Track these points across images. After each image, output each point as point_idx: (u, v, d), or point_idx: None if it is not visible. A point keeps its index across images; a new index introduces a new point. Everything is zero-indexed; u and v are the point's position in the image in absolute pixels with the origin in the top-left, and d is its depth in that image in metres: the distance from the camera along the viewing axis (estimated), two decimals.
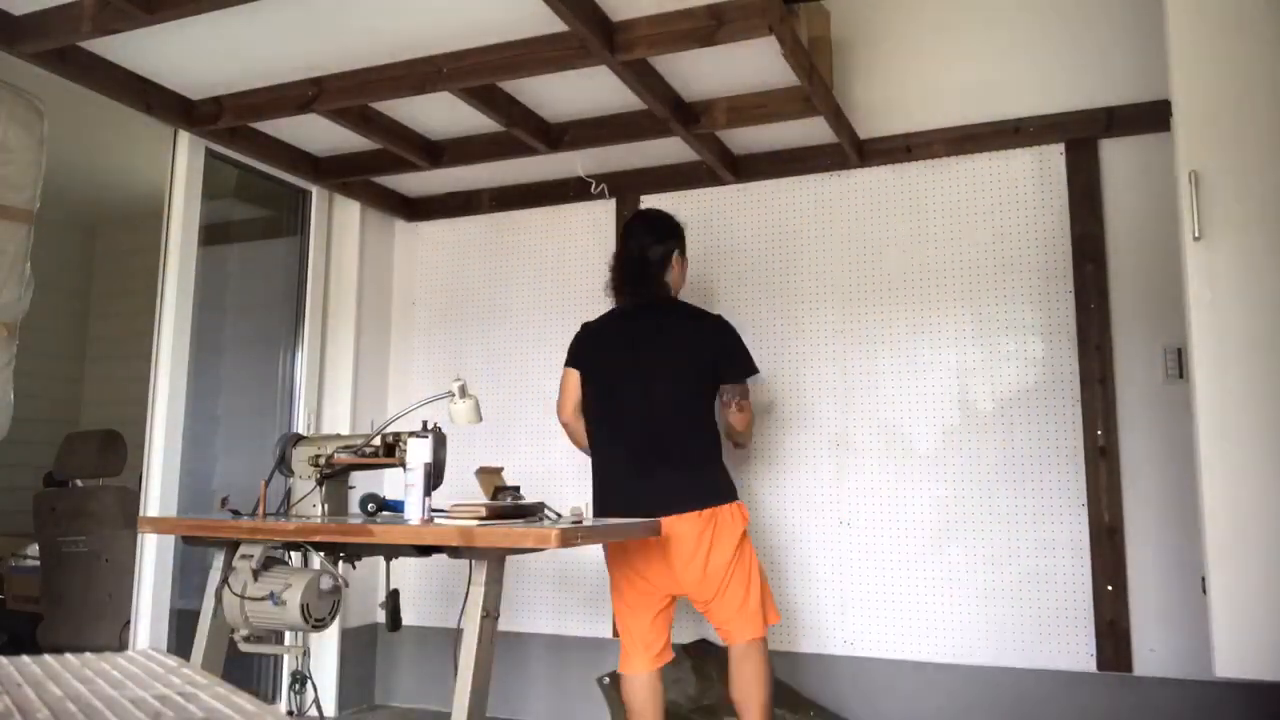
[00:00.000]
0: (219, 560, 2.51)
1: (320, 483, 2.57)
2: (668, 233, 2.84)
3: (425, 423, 2.42)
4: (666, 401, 2.66)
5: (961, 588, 3.11)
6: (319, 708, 3.22)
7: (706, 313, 2.81)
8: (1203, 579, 2.12)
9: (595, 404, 2.77)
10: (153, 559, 3.13)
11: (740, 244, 3.57)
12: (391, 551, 2.39)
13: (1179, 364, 2.93)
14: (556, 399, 2.87)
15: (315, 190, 3.87)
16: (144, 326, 3.35)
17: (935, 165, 3.32)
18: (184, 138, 3.28)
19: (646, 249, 2.80)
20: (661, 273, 2.79)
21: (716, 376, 2.72)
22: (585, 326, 2.88)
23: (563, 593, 3.66)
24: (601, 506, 2.69)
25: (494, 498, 2.51)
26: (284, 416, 3.80)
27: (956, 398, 3.20)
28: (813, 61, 2.87)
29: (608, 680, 3.40)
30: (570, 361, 2.84)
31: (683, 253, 2.87)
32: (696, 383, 2.69)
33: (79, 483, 4.04)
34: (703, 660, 3.32)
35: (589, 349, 2.83)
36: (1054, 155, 3.17)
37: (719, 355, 2.72)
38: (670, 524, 2.52)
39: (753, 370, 2.76)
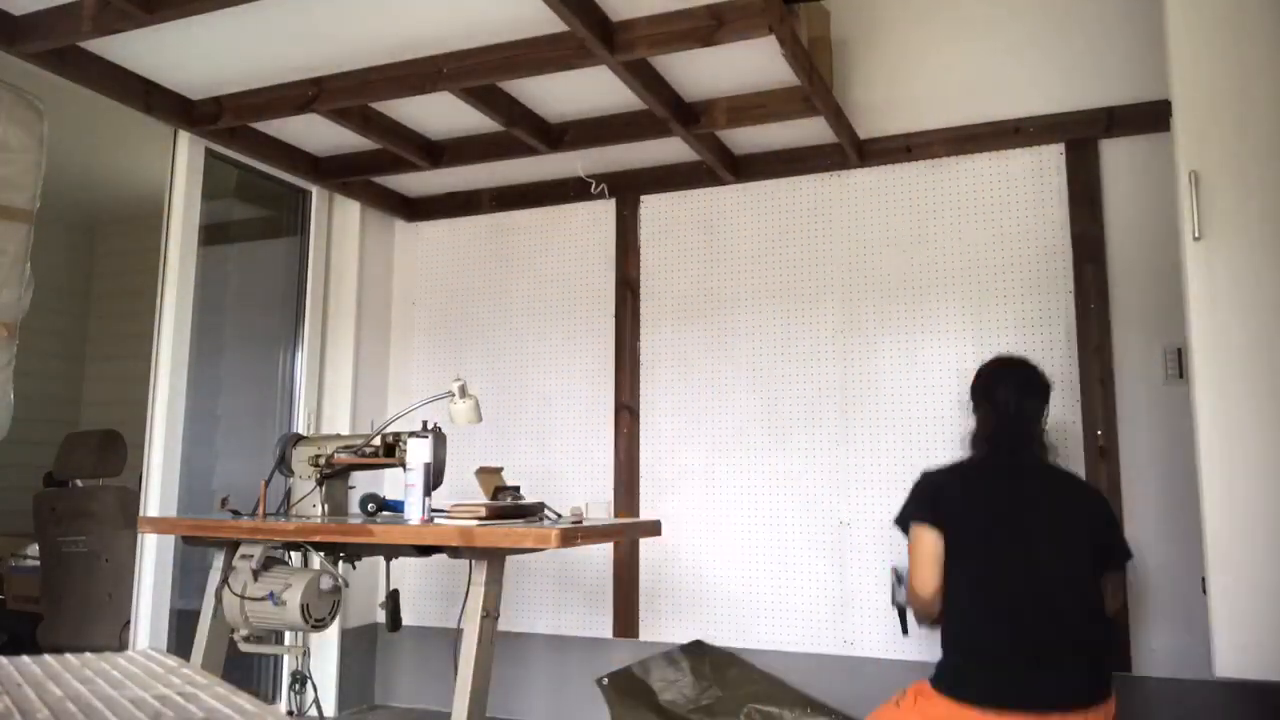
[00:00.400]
0: (219, 560, 2.52)
1: (320, 483, 2.57)
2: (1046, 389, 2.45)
3: (425, 423, 2.42)
4: (1069, 572, 2.21)
5: None
6: (319, 708, 3.23)
7: (1090, 484, 2.50)
8: (1203, 579, 2.12)
9: (967, 566, 2.26)
10: (153, 559, 3.13)
11: (740, 244, 3.57)
12: (391, 551, 2.39)
13: (1179, 364, 2.93)
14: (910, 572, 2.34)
15: (315, 190, 3.87)
16: (144, 326, 3.35)
17: (935, 165, 3.32)
18: (184, 138, 3.28)
19: (1037, 411, 2.41)
20: (1042, 429, 2.41)
21: (1112, 558, 2.35)
22: (954, 474, 2.39)
23: (563, 593, 3.66)
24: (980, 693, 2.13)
25: (494, 498, 2.51)
26: (284, 416, 3.80)
27: (957, 398, 3.20)
28: (813, 61, 2.87)
29: (607, 681, 3.40)
30: (928, 518, 2.29)
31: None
32: (1090, 562, 2.26)
33: (79, 483, 4.04)
34: (700, 661, 3.33)
35: (957, 500, 2.32)
36: (1054, 155, 3.17)
37: (1114, 537, 2.36)
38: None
39: (1128, 555, 2.39)
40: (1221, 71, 2.19)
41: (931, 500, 2.31)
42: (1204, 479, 2.11)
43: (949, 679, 2.17)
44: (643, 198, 3.74)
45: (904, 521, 2.35)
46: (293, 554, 2.56)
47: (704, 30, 2.50)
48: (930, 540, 2.27)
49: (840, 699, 3.21)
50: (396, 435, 2.48)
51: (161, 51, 2.75)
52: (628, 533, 2.52)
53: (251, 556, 2.40)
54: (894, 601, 2.57)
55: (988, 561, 2.23)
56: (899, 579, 2.56)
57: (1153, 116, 2.94)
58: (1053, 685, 2.11)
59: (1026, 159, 3.20)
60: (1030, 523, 2.24)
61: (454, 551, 2.20)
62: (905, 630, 2.54)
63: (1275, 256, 2.10)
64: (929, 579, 2.26)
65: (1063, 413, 3.06)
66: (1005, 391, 2.42)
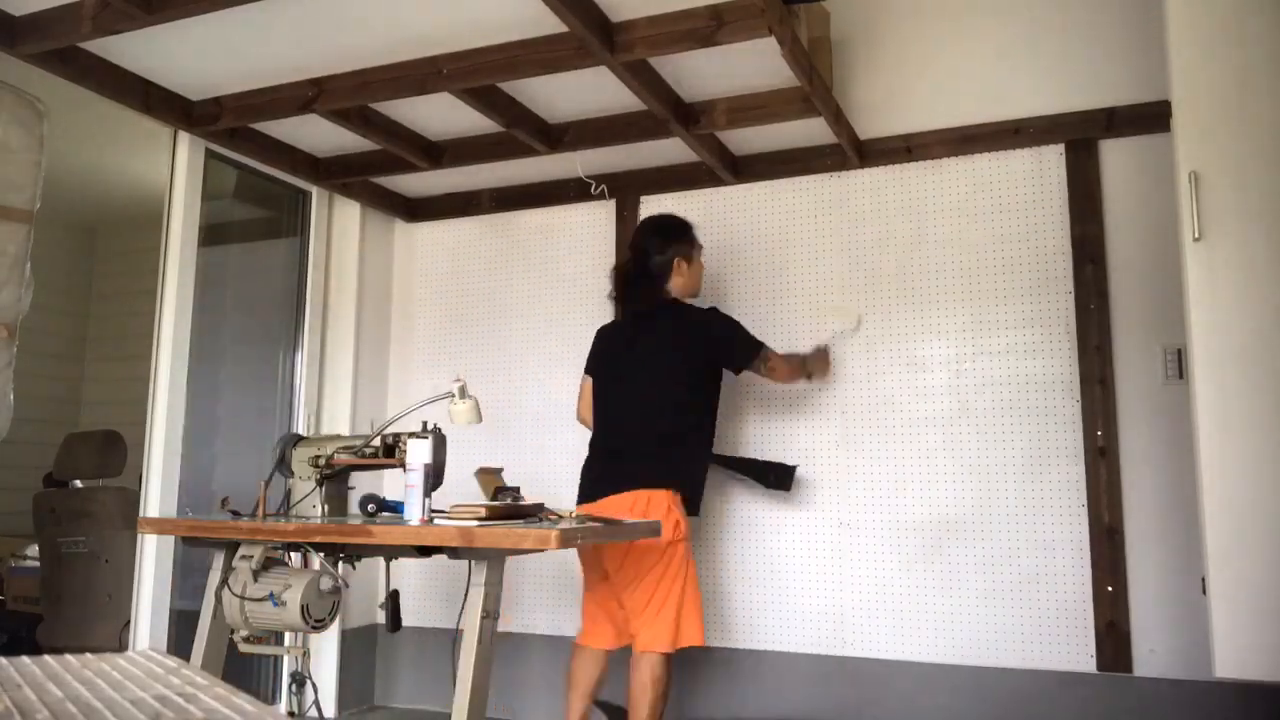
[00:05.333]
0: (219, 561, 2.51)
1: (320, 483, 2.56)
2: (672, 238, 2.96)
3: (425, 423, 2.42)
4: (641, 398, 2.88)
5: (961, 588, 3.11)
6: (319, 708, 3.23)
7: (699, 313, 2.94)
8: (1203, 579, 2.12)
9: (595, 403, 3.00)
10: (152, 559, 3.13)
11: (740, 244, 3.57)
12: (391, 552, 2.39)
13: (1179, 364, 2.93)
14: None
15: (315, 191, 3.87)
16: (144, 326, 3.35)
17: (935, 166, 3.32)
18: (184, 138, 3.28)
19: (647, 258, 2.95)
20: (664, 280, 2.93)
21: (717, 370, 2.93)
22: (599, 330, 3.13)
23: (562, 593, 3.65)
24: (578, 491, 2.92)
25: (494, 498, 2.51)
26: (284, 417, 3.80)
27: (956, 398, 3.20)
28: (813, 62, 2.87)
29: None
30: (586, 368, 3.09)
31: (688, 257, 2.96)
32: (683, 379, 2.87)
33: (79, 483, 4.04)
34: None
35: (596, 353, 3.08)
36: (1054, 156, 3.17)
37: (715, 351, 2.91)
38: (608, 502, 2.74)
39: (753, 352, 2.90)
40: (1221, 71, 2.19)
41: (591, 351, 3.10)
42: (1204, 479, 2.12)
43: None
44: (643, 198, 3.74)
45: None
46: (293, 555, 2.56)
47: (704, 31, 2.50)
48: (584, 383, 3.09)
49: (839, 700, 3.21)
50: (396, 436, 2.48)
51: (161, 52, 2.75)
52: (627, 534, 2.52)
53: (251, 557, 2.40)
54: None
55: (602, 394, 2.99)
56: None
57: (1153, 116, 2.94)
58: (601, 476, 2.86)
59: (1026, 159, 3.20)
60: (635, 354, 2.92)
61: (454, 552, 2.20)
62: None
63: (1275, 256, 2.10)
64: (580, 408, 3.14)
65: (1063, 412, 3.06)
66: (632, 249, 3.03)
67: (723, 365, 2.95)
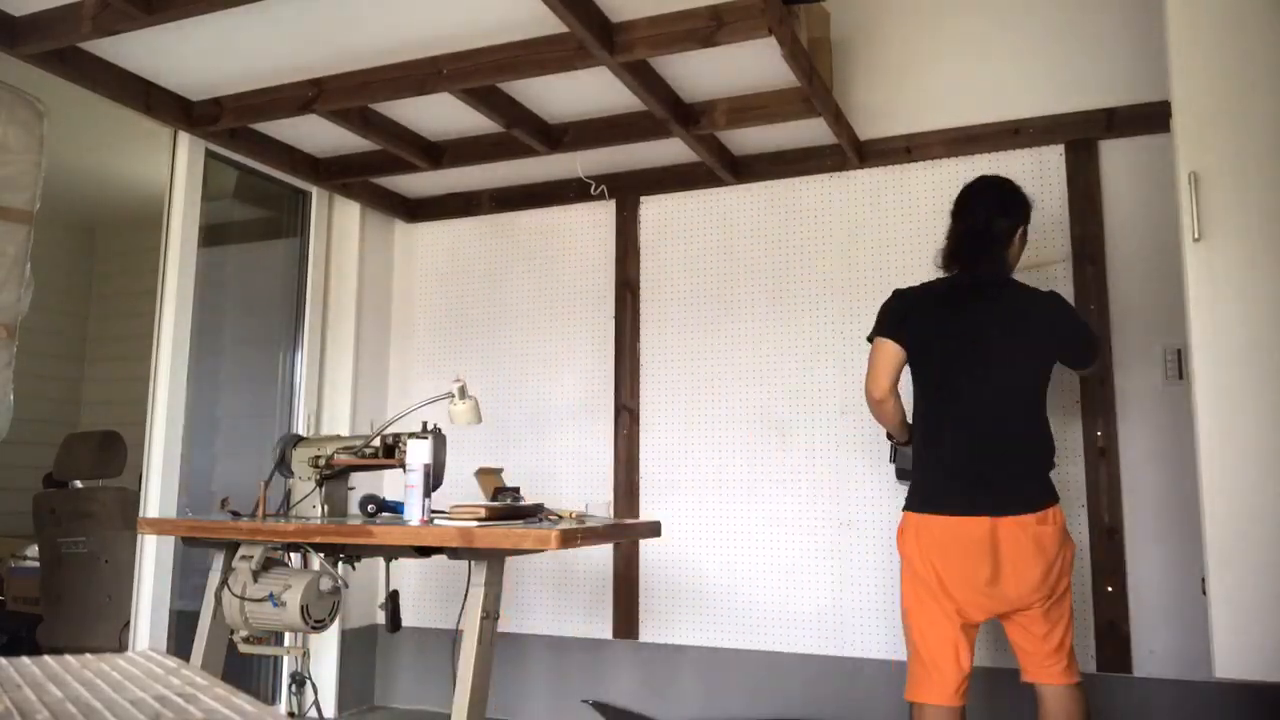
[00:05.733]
0: (219, 561, 2.52)
1: (320, 484, 2.57)
2: (1025, 204, 2.55)
3: (425, 423, 2.42)
4: (1012, 387, 2.41)
5: None
6: (319, 709, 3.23)
7: (1053, 297, 2.53)
8: (1203, 579, 2.12)
9: (926, 388, 2.48)
10: (152, 560, 3.13)
11: (740, 245, 3.57)
12: (391, 552, 2.39)
13: (1179, 364, 2.93)
14: (866, 374, 2.54)
15: (315, 191, 3.87)
16: (144, 326, 3.35)
17: (935, 166, 3.32)
18: (184, 138, 3.28)
19: (992, 220, 2.49)
20: (1005, 247, 2.50)
21: (1058, 362, 2.51)
22: (902, 293, 2.57)
23: (562, 594, 3.66)
24: (931, 503, 2.38)
25: (494, 499, 2.51)
26: (284, 417, 3.80)
27: None
28: (813, 62, 2.87)
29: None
30: (887, 332, 2.49)
31: (1025, 232, 2.57)
32: (1041, 377, 2.44)
33: (79, 483, 4.04)
34: None
35: (915, 322, 2.48)
36: (1054, 156, 3.17)
37: (1079, 343, 2.51)
38: (1029, 526, 2.30)
39: (1098, 347, 2.59)
40: (1221, 72, 2.19)
41: (900, 320, 2.49)
42: (1204, 479, 2.11)
43: (919, 497, 2.42)
44: (643, 198, 3.74)
45: (871, 338, 2.55)
46: (292, 555, 2.56)
47: (704, 31, 2.50)
48: (890, 349, 2.47)
49: (839, 701, 3.21)
50: (396, 436, 2.48)
51: (161, 52, 2.75)
52: (628, 534, 2.52)
53: (251, 558, 2.40)
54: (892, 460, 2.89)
55: (945, 381, 2.43)
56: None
57: (1153, 117, 2.94)
58: (1000, 492, 2.33)
59: (1026, 160, 3.20)
60: (985, 341, 2.40)
61: (454, 552, 2.20)
62: (894, 459, 2.85)
63: (1275, 256, 2.10)
64: (882, 380, 2.49)
65: (1063, 412, 3.06)
66: (978, 208, 2.52)
67: (1068, 363, 2.56)
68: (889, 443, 2.86)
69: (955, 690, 2.29)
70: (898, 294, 2.57)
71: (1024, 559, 2.27)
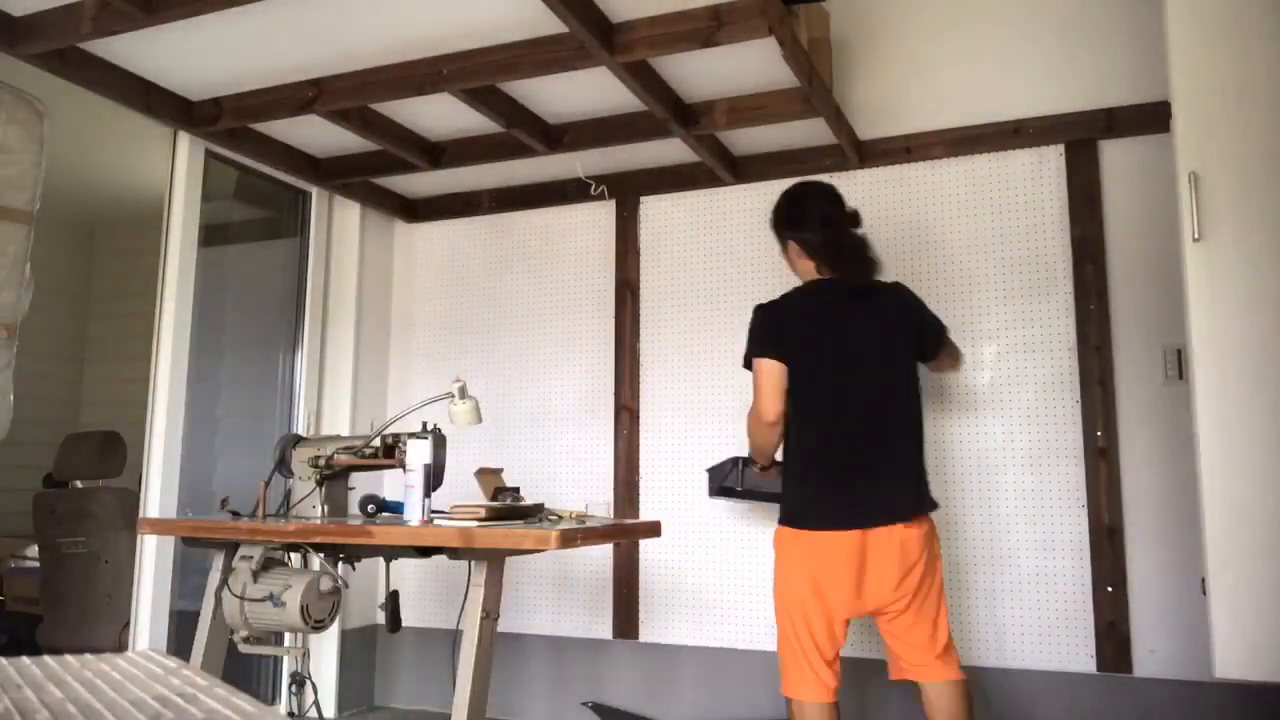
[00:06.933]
0: (219, 561, 2.52)
1: (320, 484, 2.57)
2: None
3: (425, 424, 2.42)
4: (884, 396, 2.40)
5: (961, 588, 3.11)
6: (319, 709, 3.23)
7: (903, 286, 2.55)
8: (1203, 580, 2.12)
9: (801, 401, 2.41)
10: (152, 560, 3.13)
11: (740, 245, 3.57)
12: (391, 553, 2.39)
13: (1179, 364, 2.93)
14: (754, 400, 2.43)
15: (315, 191, 3.87)
16: (144, 326, 3.35)
17: (935, 166, 3.32)
18: (184, 138, 3.28)
19: (856, 225, 2.53)
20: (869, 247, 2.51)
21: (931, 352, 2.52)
22: (774, 306, 2.49)
23: (562, 594, 3.66)
24: (808, 519, 2.36)
25: (494, 499, 2.51)
26: (284, 417, 3.80)
27: (956, 398, 3.20)
28: (812, 62, 2.87)
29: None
30: (767, 351, 2.41)
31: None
32: (914, 372, 2.44)
33: (79, 484, 4.04)
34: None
35: (790, 335, 2.42)
36: (1053, 156, 3.17)
37: (924, 336, 2.49)
38: (896, 534, 2.31)
39: (945, 330, 2.54)
40: (1221, 72, 2.19)
41: (776, 335, 2.42)
42: (1204, 479, 2.11)
43: (795, 512, 2.40)
44: (642, 199, 3.74)
45: (747, 361, 2.46)
46: (292, 555, 2.56)
47: (704, 31, 2.50)
48: (774, 368, 2.39)
49: (839, 701, 3.20)
50: (396, 436, 2.48)
51: (161, 52, 2.75)
52: (628, 534, 2.51)
53: (251, 558, 2.40)
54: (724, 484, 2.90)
55: (818, 393, 2.39)
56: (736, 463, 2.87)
57: (1153, 117, 2.95)
58: (873, 506, 2.33)
59: (1026, 160, 3.21)
60: (860, 347, 2.39)
61: (454, 552, 2.20)
62: (719, 491, 2.88)
63: (1275, 256, 2.10)
64: (772, 404, 2.38)
65: (1062, 412, 3.06)
66: (816, 210, 2.53)
67: (924, 353, 2.51)
68: (737, 470, 2.89)
69: (832, 687, 2.35)
70: (764, 309, 2.49)
71: (886, 563, 2.31)
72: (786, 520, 2.41)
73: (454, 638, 2.30)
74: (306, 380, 3.82)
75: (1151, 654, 2.90)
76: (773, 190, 3.53)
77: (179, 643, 3.15)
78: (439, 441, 2.39)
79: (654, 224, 3.71)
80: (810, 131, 3.24)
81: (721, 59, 2.74)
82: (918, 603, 2.35)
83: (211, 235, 3.49)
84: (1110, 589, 2.94)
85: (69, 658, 1.05)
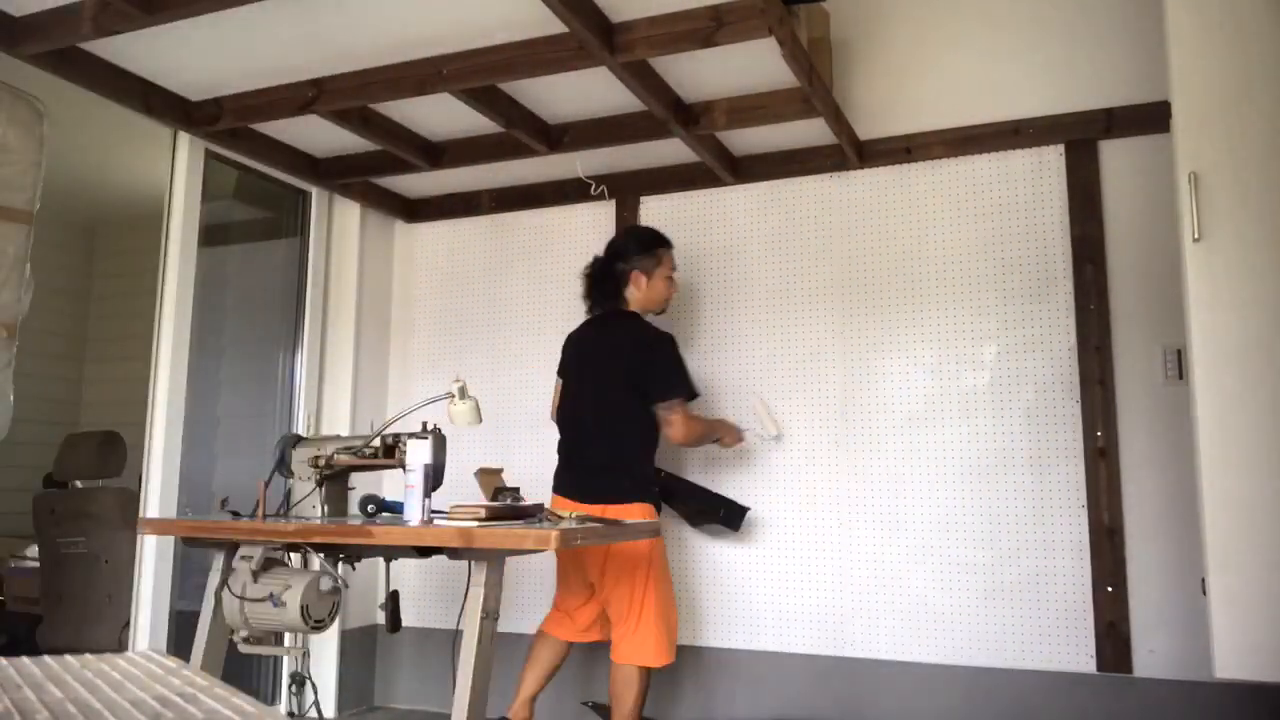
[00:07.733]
0: (219, 562, 2.51)
1: (320, 484, 2.56)
2: (638, 250, 3.02)
3: (425, 424, 2.42)
4: (599, 407, 2.95)
5: (961, 588, 3.11)
6: (319, 709, 3.23)
7: (646, 333, 2.97)
8: (1203, 580, 2.12)
9: (562, 407, 3.10)
10: (152, 560, 3.13)
11: (740, 245, 3.57)
12: (391, 553, 2.39)
13: (1179, 364, 2.93)
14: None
15: (315, 191, 3.87)
16: (144, 327, 3.35)
17: (935, 166, 3.32)
18: (184, 138, 3.28)
19: (610, 264, 3.03)
20: (620, 288, 3.00)
21: (645, 395, 2.90)
22: (570, 334, 3.15)
23: None
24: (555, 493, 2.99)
25: (494, 499, 2.51)
26: (284, 417, 3.80)
27: (956, 399, 3.20)
28: (812, 63, 2.87)
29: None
30: (558, 369, 3.17)
31: (648, 273, 3.00)
32: (629, 392, 2.89)
33: (79, 484, 4.04)
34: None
35: (565, 356, 3.15)
36: (1053, 156, 3.17)
37: (643, 377, 2.89)
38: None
39: (676, 393, 2.89)
40: (1221, 72, 2.19)
41: (563, 356, 3.15)
42: (1204, 479, 2.11)
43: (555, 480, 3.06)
44: (642, 199, 3.74)
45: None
46: (292, 555, 2.56)
47: (704, 31, 2.50)
48: (557, 386, 3.17)
49: (839, 700, 3.21)
50: (396, 436, 2.48)
51: (161, 53, 2.75)
52: (627, 534, 2.52)
53: (251, 558, 2.40)
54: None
55: (566, 397, 3.08)
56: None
57: (1152, 117, 2.94)
58: (582, 483, 2.91)
59: (1026, 160, 3.20)
60: (588, 368, 3.03)
61: (454, 553, 2.20)
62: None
63: (1275, 256, 2.10)
64: (552, 412, 3.18)
65: (1062, 413, 3.06)
66: (610, 243, 3.13)
67: (639, 391, 2.90)
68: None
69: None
70: (567, 336, 3.17)
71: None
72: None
73: (454, 638, 2.30)
74: (306, 380, 3.82)
75: (1151, 654, 2.90)
76: (773, 190, 3.56)
77: (179, 643, 3.14)
78: (439, 442, 2.39)
79: (654, 224, 3.70)
80: (810, 131, 3.24)
81: (721, 59, 2.74)
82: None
83: (211, 235, 3.49)
84: (1110, 589, 2.94)
85: (69, 658, 1.05)
